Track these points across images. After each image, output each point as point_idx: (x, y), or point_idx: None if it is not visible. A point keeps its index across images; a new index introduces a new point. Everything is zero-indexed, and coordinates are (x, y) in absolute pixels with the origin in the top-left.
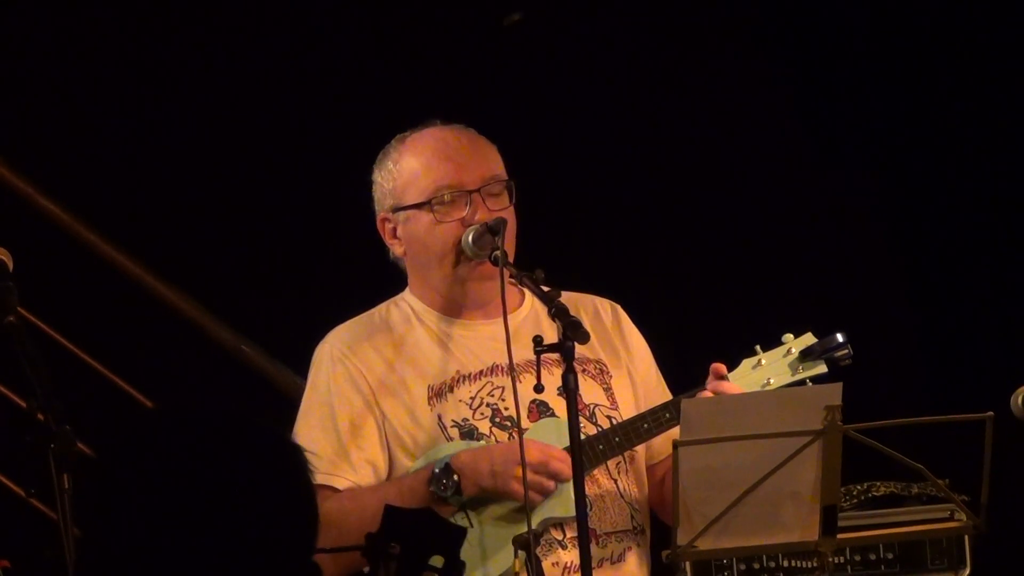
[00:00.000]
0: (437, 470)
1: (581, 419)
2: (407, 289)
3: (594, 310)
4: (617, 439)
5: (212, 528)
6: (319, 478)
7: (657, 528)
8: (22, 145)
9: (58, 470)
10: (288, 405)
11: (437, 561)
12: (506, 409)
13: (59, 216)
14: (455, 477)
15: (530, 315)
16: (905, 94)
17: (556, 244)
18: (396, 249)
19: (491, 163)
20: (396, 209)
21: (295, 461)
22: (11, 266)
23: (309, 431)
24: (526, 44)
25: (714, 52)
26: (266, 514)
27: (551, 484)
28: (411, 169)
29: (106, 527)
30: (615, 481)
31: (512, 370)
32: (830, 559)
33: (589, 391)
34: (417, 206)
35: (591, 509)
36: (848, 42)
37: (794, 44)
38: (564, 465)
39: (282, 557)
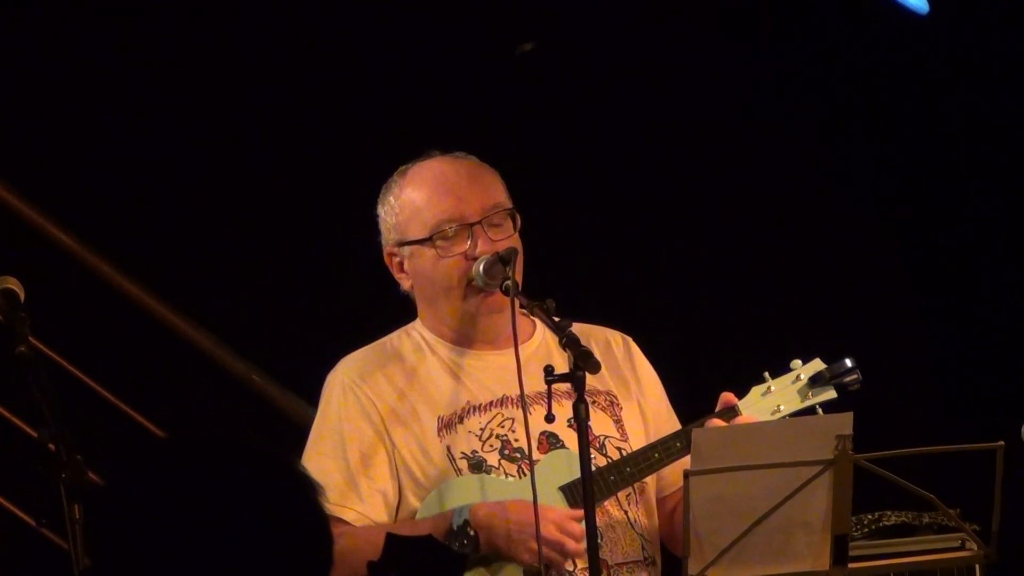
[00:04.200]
0: (456, 527)
1: (591, 451)
2: (417, 319)
3: (605, 342)
4: (628, 469)
5: (223, 559)
6: (328, 509)
7: (668, 558)
8: (33, 174)
9: (69, 500)
10: (298, 434)
11: None
12: (516, 440)
13: (70, 246)
14: (472, 532)
15: (541, 346)
16: (918, 119)
17: (565, 273)
18: (404, 283)
19: (492, 192)
20: (400, 244)
21: (307, 491)
22: (22, 296)
23: (319, 460)
24: (539, 72)
25: (727, 82)
26: (277, 544)
27: (563, 562)
28: (412, 204)
29: (116, 557)
30: (625, 512)
31: (523, 401)
32: None
33: (599, 423)
34: (420, 242)
35: (602, 540)
36: (865, 67)
37: (808, 70)
38: (580, 546)
39: None
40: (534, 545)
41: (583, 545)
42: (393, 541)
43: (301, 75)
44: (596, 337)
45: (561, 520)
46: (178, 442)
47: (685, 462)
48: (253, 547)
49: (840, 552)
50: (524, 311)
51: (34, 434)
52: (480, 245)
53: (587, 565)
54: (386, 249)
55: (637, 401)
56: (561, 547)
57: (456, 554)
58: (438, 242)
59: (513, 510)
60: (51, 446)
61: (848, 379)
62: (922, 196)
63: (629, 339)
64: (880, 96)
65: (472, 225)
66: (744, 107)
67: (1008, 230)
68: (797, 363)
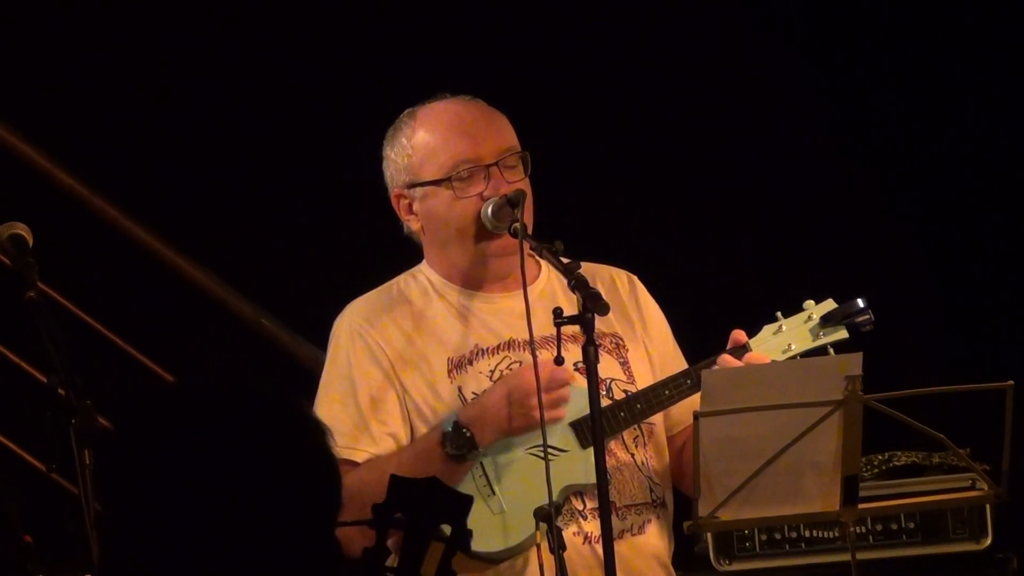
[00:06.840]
0: (448, 430)
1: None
2: (423, 262)
3: (610, 281)
4: (639, 406)
5: (232, 502)
6: (339, 452)
7: (679, 499)
8: (42, 120)
9: (79, 445)
10: (309, 378)
11: (444, 530)
12: None
13: (79, 191)
14: (466, 432)
15: (547, 288)
16: (923, 65)
17: (572, 213)
18: (412, 224)
19: (505, 135)
20: (412, 185)
21: (315, 434)
22: (31, 241)
23: (330, 405)
24: (542, 12)
25: (732, 24)
26: (285, 488)
27: (566, 393)
28: (426, 144)
29: (126, 502)
30: (632, 455)
31: (532, 344)
32: (851, 529)
33: (606, 365)
34: (435, 182)
35: (610, 482)
36: (863, 18)
37: (809, 18)
38: (564, 372)
39: (302, 531)
40: (532, 401)
41: (567, 390)
42: (397, 483)
43: (303, 21)
44: (601, 276)
45: (541, 365)
46: (186, 386)
47: (694, 401)
48: (261, 490)
49: (850, 493)
50: (532, 253)
51: (44, 380)
52: (498, 186)
53: (596, 506)
54: (394, 191)
55: (643, 342)
56: (555, 381)
57: (462, 495)
58: (454, 183)
59: (499, 392)
60: (61, 391)
61: (860, 319)
62: (928, 133)
63: (634, 277)
64: (884, 40)
65: (488, 166)
66: (751, 53)
67: (1017, 167)
68: (809, 303)
